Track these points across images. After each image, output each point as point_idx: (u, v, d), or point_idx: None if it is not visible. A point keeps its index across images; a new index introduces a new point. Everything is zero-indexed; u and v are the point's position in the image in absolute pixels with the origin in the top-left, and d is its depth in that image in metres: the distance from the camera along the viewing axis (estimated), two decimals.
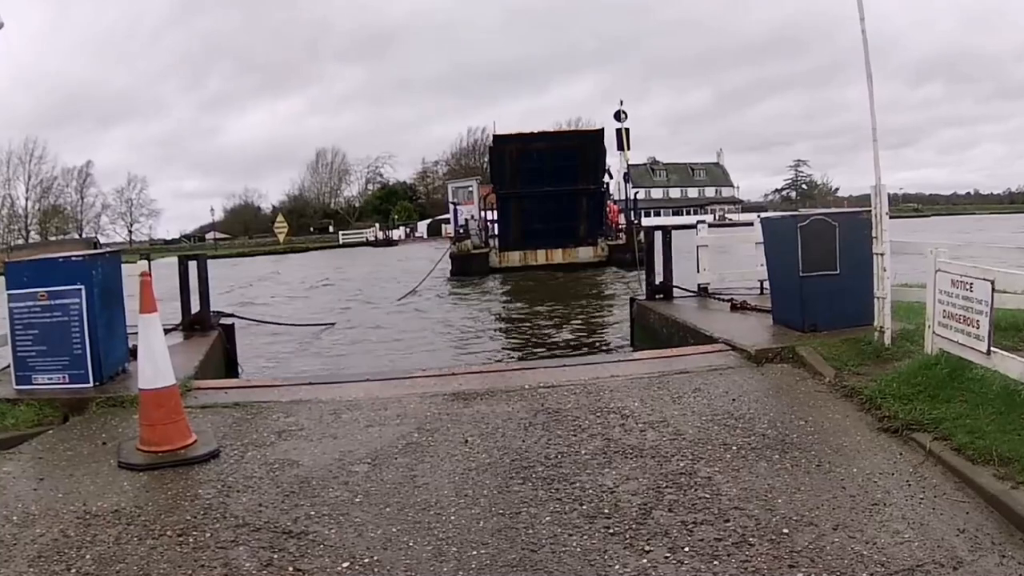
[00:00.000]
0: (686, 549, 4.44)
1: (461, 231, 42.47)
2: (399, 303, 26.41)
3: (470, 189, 53.87)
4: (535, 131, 41.79)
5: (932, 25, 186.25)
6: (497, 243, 39.67)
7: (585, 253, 38.00)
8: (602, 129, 40.75)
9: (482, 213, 45.72)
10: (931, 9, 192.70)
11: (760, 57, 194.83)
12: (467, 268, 36.75)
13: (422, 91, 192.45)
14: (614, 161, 45.01)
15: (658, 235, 14.10)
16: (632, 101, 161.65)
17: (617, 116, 41.57)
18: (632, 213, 41.02)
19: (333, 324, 21.00)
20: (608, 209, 43.06)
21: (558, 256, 37.86)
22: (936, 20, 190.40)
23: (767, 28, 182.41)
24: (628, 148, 41.95)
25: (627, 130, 41.30)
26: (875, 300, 8.50)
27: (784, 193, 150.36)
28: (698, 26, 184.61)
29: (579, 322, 19.91)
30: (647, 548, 4.48)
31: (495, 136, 41.90)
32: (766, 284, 12.30)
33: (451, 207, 52.32)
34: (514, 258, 38.04)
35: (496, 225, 40.77)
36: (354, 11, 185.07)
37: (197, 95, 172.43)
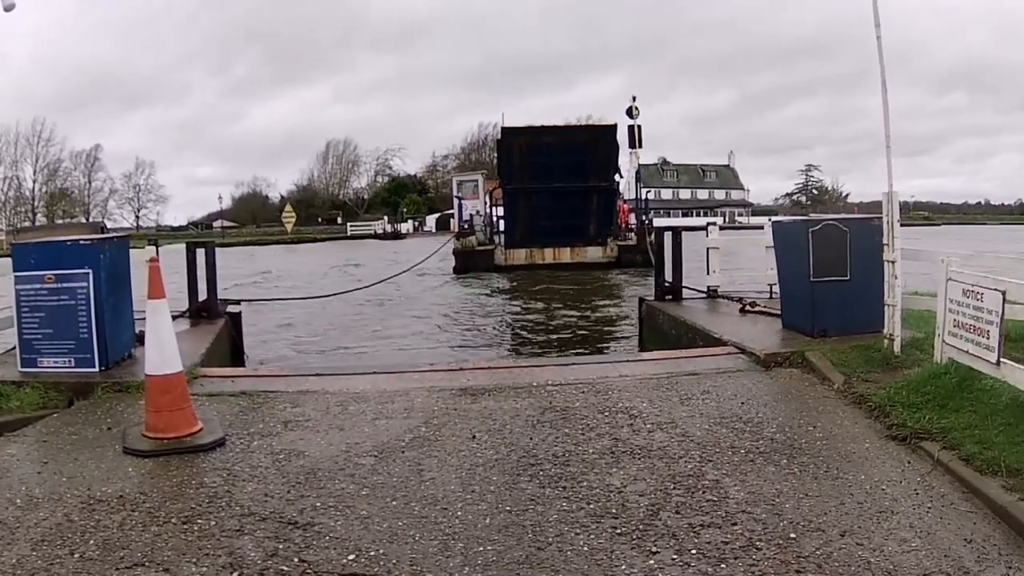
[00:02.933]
0: (693, 551, 4.43)
1: (465, 226, 41.33)
2: (400, 293, 26.09)
3: (475, 183, 52.15)
4: (545, 124, 39.59)
5: (961, 34, 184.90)
6: (503, 240, 38.28)
7: (594, 253, 36.73)
8: (615, 124, 38.16)
9: (487, 208, 43.97)
10: (962, 18, 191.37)
11: (788, 60, 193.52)
12: (471, 265, 35.84)
13: (449, 83, 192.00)
14: (624, 160, 43.50)
15: (668, 236, 14.04)
16: (657, 100, 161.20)
17: (629, 112, 40.44)
18: (643, 213, 40.18)
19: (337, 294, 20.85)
20: (618, 208, 41.21)
21: (566, 255, 36.67)
22: (966, 29, 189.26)
23: (798, 32, 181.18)
24: (640, 146, 40.77)
25: (639, 127, 40.14)
26: (885, 307, 8.47)
27: (794, 197, 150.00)
28: (730, 27, 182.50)
29: (587, 321, 19.85)
30: (654, 549, 4.46)
31: (503, 128, 39.46)
32: (775, 288, 12.26)
33: (455, 201, 50.70)
34: (520, 256, 36.71)
35: (502, 221, 39.16)
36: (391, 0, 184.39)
37: (221, 81, 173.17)
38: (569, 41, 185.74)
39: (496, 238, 39.40)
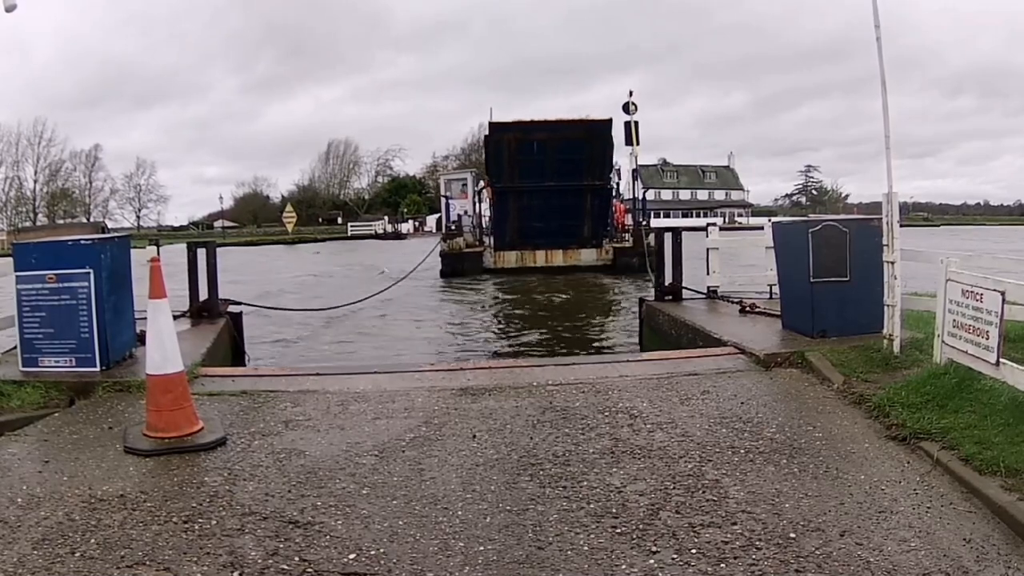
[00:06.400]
0: (693, 551, 4.44)
1: (453, 227, 39.76)
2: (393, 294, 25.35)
3: (464, 182, 50.56)
4: (536, 119, 36.06)
5: (976, 39, 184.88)
6: (492, 241, 37.07)
7: (588, 255, 35.56)
8: (610, 119, 35.98)
9: (477, 208, 42.87)
10: (978, 23, 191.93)
11: (801, 64, 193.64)
12: (458, 268, 34.28)
13: (468, 84, 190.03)
14: (623, 159, 42.31)
15: (668, 236, 14.04)
16: (672, 102, 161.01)
17: (626, 108, 38.82)
18: (641, 213, 39.15)
19: (337, 307, 20.68)
20: (614, 208, 40.15)
21: (559, 258, 35.40)
22: (980, 34, 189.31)
23: (814, 36, 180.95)
24: (637, 143, 39.06)
25: (636, 123, 38.56)
26: (885, 308, 8.48)
27: (794, 198, 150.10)
28: (749, 31, 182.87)
29: (587, 322, 19.84)
30: (654, 549, 4.47)
31: (491, 124, 36.87)
32: (775, 288, 12.28)
33: (443, 201, 49.03)
34: (511, 259, 35.44)
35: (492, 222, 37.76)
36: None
37: (239, 80, 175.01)
38: (589, 43, 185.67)
39: (486, 239, 38.21)
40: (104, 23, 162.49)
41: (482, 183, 44.20)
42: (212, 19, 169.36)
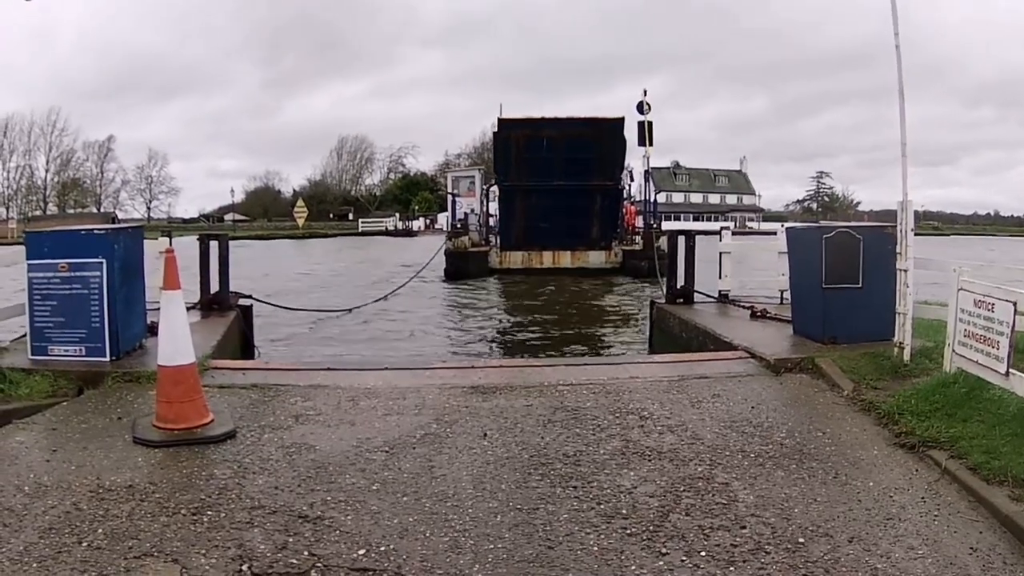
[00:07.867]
0: (702, 553, 4.44)
1: (459, 226, 38.20)
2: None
3: (471, 179, 49.94)
4: (545, 116, 34.54)
5: (998, 49, 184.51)
6: (498, 241, 35.74)
7: (597, 258, 34.42)
8: (622, 118, 34.58)
9: (484, 206, 41.23)
10: (1001, 34, 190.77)
11: (823, 71, 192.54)
12: (463, 268, 32.85)
13: (492, 82, 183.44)
14: (637, 162, 41.19)
15: (681, 239, 14.03)
16: (694, 105, 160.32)
17: (640, 108, 37.43)
18: (651, 216, 38.54)
19: (349, 310, 20.81)
20: (624, 210, 38.87)
21: (566, 259, 34.24)
22: (1004, 45, 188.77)
23: (840, 44, 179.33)
24: (650, 144, 37.63)
25: (650, 124, 37.23)
26: (896, 316, 8.46)
27: (805, 204, 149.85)
28: (776, 37, 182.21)
29: (597, 323, 19.80)
30: (664, 551, 4.48)
31: (500, 120, 35.31)
32: (786, 294, 12.27)
33: (450, 198, 47.00)
34: (516, 259, 34.28)
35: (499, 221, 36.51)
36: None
37: (263, 74, 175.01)
38: (614, 44, 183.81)
39: (492, 239, 37.16)
40: (128, 15, 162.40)
41: (492, 180, 43.55)
42: (237, 13, 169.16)
